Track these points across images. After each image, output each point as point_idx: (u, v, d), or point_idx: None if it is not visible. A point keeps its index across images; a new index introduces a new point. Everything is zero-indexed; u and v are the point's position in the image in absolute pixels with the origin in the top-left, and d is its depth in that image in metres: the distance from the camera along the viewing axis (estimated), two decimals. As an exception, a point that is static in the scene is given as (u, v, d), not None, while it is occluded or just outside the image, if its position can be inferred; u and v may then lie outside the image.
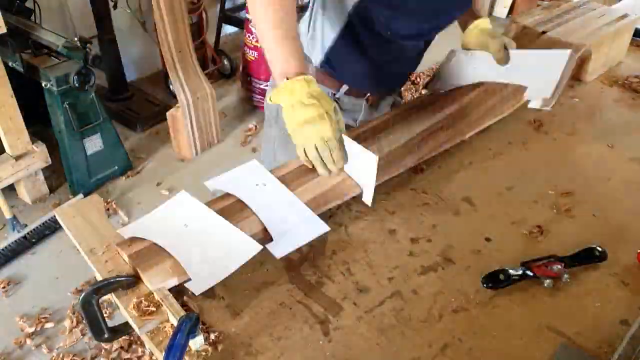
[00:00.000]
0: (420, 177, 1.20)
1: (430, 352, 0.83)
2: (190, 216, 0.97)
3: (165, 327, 0.83)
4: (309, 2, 1.32)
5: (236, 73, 3.78)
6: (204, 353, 0.81)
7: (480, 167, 1.22)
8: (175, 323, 0.79)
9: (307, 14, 1.33)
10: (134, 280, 0.87)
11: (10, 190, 2.62)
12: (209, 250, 0.90)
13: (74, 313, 2.13)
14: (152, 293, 0.85)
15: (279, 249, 0.93)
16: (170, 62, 2.81)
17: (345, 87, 1.33)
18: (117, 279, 0.86)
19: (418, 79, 3.74)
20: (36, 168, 2.61)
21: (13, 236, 2.41)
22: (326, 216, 1.04)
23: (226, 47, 3.95)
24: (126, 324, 0.85)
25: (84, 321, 2.05)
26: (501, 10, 4.95)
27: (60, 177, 2.81)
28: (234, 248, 0.91)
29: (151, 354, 1.85)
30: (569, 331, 0.86)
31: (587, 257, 0.97)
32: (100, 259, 0.92)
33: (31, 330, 2.07)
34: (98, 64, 2.47)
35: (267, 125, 1.46)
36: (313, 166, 1.04)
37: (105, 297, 0.86)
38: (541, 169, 1.24)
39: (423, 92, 3.63)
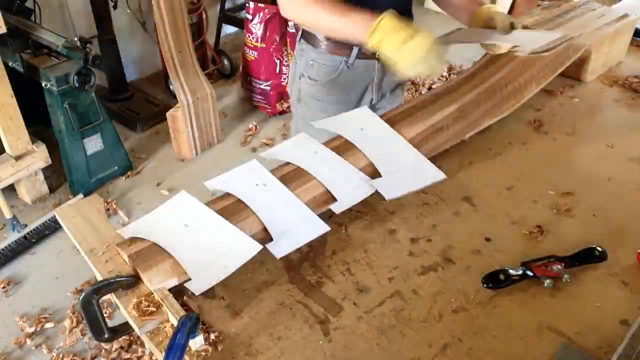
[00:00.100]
0: (420, 177, 1.20)
1: (430, 352, 0.83)
2: (190, 216, 0.97)
3: (165, 327, 0.83)
4: None
5: (236, 73, 3.78)
6: (204, 353, 0.81)
7: (480, 167, 1.22)
8: (175, 323, 0.79)
9: None
10: (134, 280, 0.87)
11: (10, 190, 2.62)
12: (209, 250, 0.90)
13: (74, 313, 2.13)
14: (152, 293, 0.85)
15: (279, 249, 0.93)
16: (170, 62, 2.81)
17: (355, 50, 1.42)
18: (117, 279, 0.86)
19: (418, 79, 3.74)
20: (36, 168, 2.61)
21: (13, 236, 2.41)
22: (326, 216, 1.04)
23: (226, 47, 3.95)
24: (126, 324, 0.85)
25: (84, 321, 2.05)
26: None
27: (60, 177, 2.81)
28: (234, 248, 0.91)
29: (151, 354, 1.85)
30: (569, 331, 0.86)
31: (587, 257, 0.97)
32: (100, 259, 0.92)
33: (31, 330, 2.07)
34: (98, 64, 2.46)
35: (293, 107, 1.65)
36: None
37: (105, 297, 0.86)
38: (541, 169, 1.24)
39: (423, 91, 3.63)
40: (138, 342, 2.00)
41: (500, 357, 0.83)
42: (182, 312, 0.80)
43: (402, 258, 0.99)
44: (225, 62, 3.79)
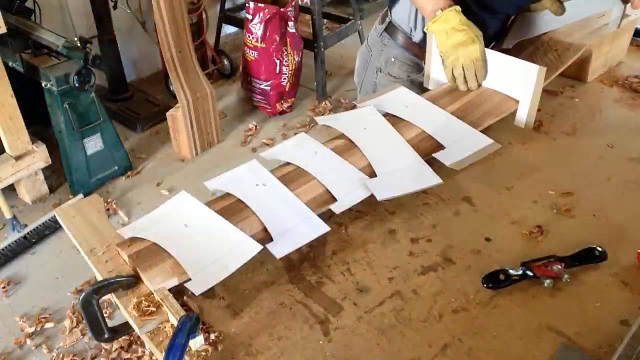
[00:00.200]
0: (420, 177, 1.20)
1: (430, 352, 0.83)
2: (190, 216, 0.97)
3: (165, 327, 0.83)
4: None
5: (236, 73, 3.78)
6: (204, 353, 0.81)
7: (480, 167, 1.22)
8: (175, 323, 0.79)
9: None
10: (134, 280, 0.87)
11: (10, 190, 2.62)
12: (209, 250, 0.90)
13: (74, 313, 2.13)
14: (152, 293, 0.85)
15: (279, 249, 0.93)
16: (170, 62, 2.81)
17: None
18: (117, 279, 0.86)
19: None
20: (36, 168, 2.61)
21: (13, 236, 2.41)
22: (326, 216, 1.04)
23: (226, 47, 3.95)
24: (126, 324, 0.85)
25: (84, 321, 2.05)
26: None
27: (60, 177, 2.81)
28: (234, 248, 0.91)
29: (151, 354, 1.85)
30: (569, 331, 0.86)
31: (587, 257, 0.97)
32: (100, 259, 0.92)
33: (31, 330, 2.07)
34: (98, 64, 2.47)
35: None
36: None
37: (105, 297, 0.86)
38: (541, 169, 1.24)
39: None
40: (138, 342, 2.00)
41: (500, 357, 0.83)
42: (182, 312, 0.80)
43: (402, 258, 0.99)
44: (225, 62, 3.79)
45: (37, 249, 2.45)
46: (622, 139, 1.35)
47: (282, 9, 3.11)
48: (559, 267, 0.93)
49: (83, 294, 0.82)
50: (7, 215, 2.40)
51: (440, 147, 1.17)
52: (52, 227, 2.49)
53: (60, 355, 1.98)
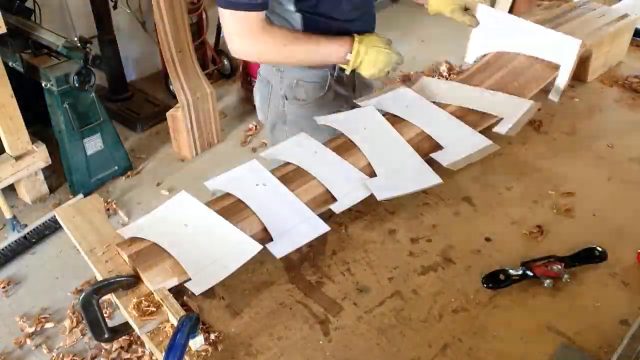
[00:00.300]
0: (420, 177, 1.20)
1: (430, 352, 0.83)
2: (190, 216, 0.97)
3: (165, 327, 0.83)
4: None
5: (236, 73, 3.78)
6: (204, 353, 0.81)
7: (480, 167, 1.22)
8: (175, 323, 0.79)
9: None
10: (134, 280, 0.87)
11: (10, 190, 2.62)
12: (209, 250, 0.90)
13: (74, 313, 2.13)
14: (152, 293, 0.85)
15: (279, 249, 0.93)
16: (170, 62, 2.81)
17: None
18: (117, 279, 0.86)
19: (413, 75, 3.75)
20: (36, 168, 2.61)
21: (13, 236, 2.41)
22: (326, 216, 1.04)
23: (226, 47, 3.94)
24: (126, 324, 0.85)
25: (84, 321, 2.05)
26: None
27: (60, 177, 2.81)
28: (234, 248, 0.91)
29: (151, 354, 1.85)
30: (569, 331, 0.86)
31: (587, 257, 0.97)
32: (100, 259, 0.92)
33: (31, 330, 2.07)
34: (98, 64, 2.46)
35: (276, 131, 1.52)
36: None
37: (105, 297, 0.86)
38: (541, 169, 1.24)
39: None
40: (138, 342, 2.00)
41: (500, 357, 0.83)
42: (182, 312, 0.80)
43: (402, 258, 0.99)
44: (225, 62, 3.79)
45: (37, 249, 2.45)
46: (622, 139, 1.35)
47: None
48: (559, 267, 0.93)
49: (83, 294, 0.82)
50: (7, 215, 2.40)
51: (439, 147, 1.17)
52: (52, 227, 2.49)
53: (60, 355, 1.98)
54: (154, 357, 1.56)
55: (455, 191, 1.16)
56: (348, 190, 1.04)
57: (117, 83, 3.39)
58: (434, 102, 1.29)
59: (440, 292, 0.93)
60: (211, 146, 3.15)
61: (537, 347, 0.84)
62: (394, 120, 1.23)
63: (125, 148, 2.92)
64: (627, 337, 0.81)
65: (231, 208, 0.99)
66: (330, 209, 1.03)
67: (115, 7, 3.15)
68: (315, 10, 1.29)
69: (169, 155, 3.10)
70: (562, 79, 1.41)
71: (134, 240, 0.92)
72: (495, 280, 0.93)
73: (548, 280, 0.92)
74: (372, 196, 1.06)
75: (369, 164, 1.11)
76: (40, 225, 2.47)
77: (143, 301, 0.84)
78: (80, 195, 2.65)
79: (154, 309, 0.83)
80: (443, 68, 3.76)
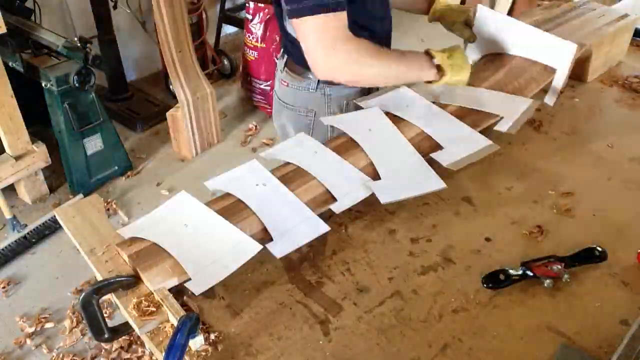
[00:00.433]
0: (420, 177, 1.20)
1: (430, 352, 0.83)
2: (190, 216, 0.97)
3: (165, 327, 0.83)
4: None
5: (236, 73, 3.78)
6: (204, 353, 0.81)
7: (480, 167, 1.22)
8: (175, 323, 0.79)
9: None
10: (134, 280, 0.87)
11: (10, 190, 2.62)
12: (209, 250, 0.90)
13: (74, 313, 2.13)
14: (152, 293, 0.85)
15: (279, 249, 0.93)
16: (170, 62, 2.81)
17: None
18: (117, 279, 0.86)
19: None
20: (36, 168, 2.61)
21: (13, 236, 2.41)
22: (326, 216, 1.04)
23: (226, 47, 3.95)
24: (126, 324, 0.85)
25: (84, 321, 2.05)
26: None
27: (60, 177, 2.81)
28: (234, 248, 0.91)
29: (151, 354, 1.85)
30: (569, 331, 0.86)
31: (587, 257, 0.97)
32: (100, 259, 0.92)
33: (31, 330, 2.07)
34: (98, 64, 2.46)
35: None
36: None
37: (105, 297, 0.86)
38: (541, 169, 1.24)
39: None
40: (138, 342, 2.00)
41: (500, 357, 0.83)
42: (182, 312, 0.80)
43: (402, 258, 0.99)
44: (225, 62, 3.79)
45: (37, 249, 2.45)
46: (622, 139, 1.35)
47: (282, 9, 3.10)
48: (559, 267, 0.93)
49: (83, 294, 0.82)
50: (7, 215, 2.40)
51: (439, 147, 1.17)
52: (52, 227, 2.49)
53: (60, 355, 1.98)
54: (154, 357, 1.56)
55: (455, 191, 1.16)
56: (348, 190, 1.04)
57: (117, 83, 3.39)
58: (434, 102, 1.29)
59: (440, 292, 0.93)
60: (211, 146, 3.15)
61: (537, 347, 0.84)
62: (394, 120, 1.23)
63: (125, 148, 2.92)
64: (627, 337, 0.81)
65: (231, 208, 0.99)
66: (330, 209, 1.03)
67: (115, 7, 3.15)
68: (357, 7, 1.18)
69: (169, 155, 3.10)
70: (558, 82, 1.41)
71: (134, 240, 0.92)
72: (495, 280, 0.93)
73: (548, 280, 0.92)
74: (372, 196, 1.06)
75: (370, 164, 1.11)
76: (40, 225, 2.47)
77: (143, 301, 0.84)
78: (80, 195, 2.65)
79: (154, 309, 0.83)
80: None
